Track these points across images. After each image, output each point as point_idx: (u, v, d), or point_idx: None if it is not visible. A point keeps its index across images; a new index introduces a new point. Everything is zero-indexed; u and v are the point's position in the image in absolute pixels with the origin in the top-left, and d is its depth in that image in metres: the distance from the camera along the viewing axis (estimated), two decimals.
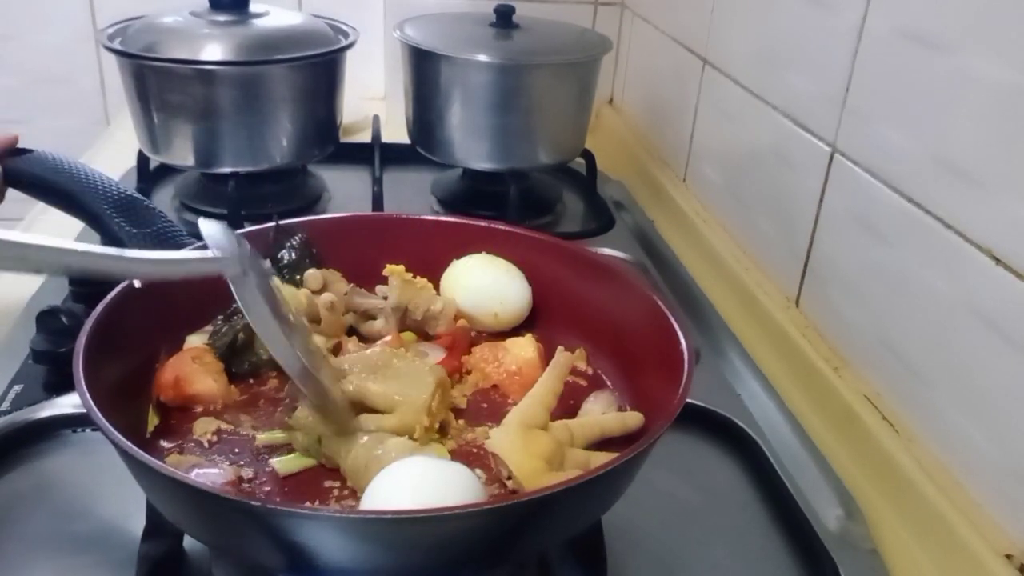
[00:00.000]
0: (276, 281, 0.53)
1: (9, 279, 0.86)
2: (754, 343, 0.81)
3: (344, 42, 0.98)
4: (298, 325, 0.51)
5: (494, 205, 0.99)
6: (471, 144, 0.99)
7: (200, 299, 0.60)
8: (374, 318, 0.62)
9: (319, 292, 0.61)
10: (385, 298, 0.62)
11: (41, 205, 0.90)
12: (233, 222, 0.90)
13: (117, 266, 0.46)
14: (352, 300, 0.61)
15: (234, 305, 0.60)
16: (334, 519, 0.41)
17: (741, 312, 0.85)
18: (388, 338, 0.60)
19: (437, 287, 0.66)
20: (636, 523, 0.57)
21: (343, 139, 1.06)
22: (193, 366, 0.56)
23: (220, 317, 0.59)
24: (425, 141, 1.04)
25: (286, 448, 0.52)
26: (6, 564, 0.53)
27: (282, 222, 0.65)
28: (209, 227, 0.50)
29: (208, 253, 0.48)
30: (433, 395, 0.52)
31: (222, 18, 0.95)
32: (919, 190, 0.63)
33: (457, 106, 0.98)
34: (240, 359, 0.59)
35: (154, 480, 0.44)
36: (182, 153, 0.95)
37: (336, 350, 0.59)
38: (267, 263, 0.53)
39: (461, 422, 0.56)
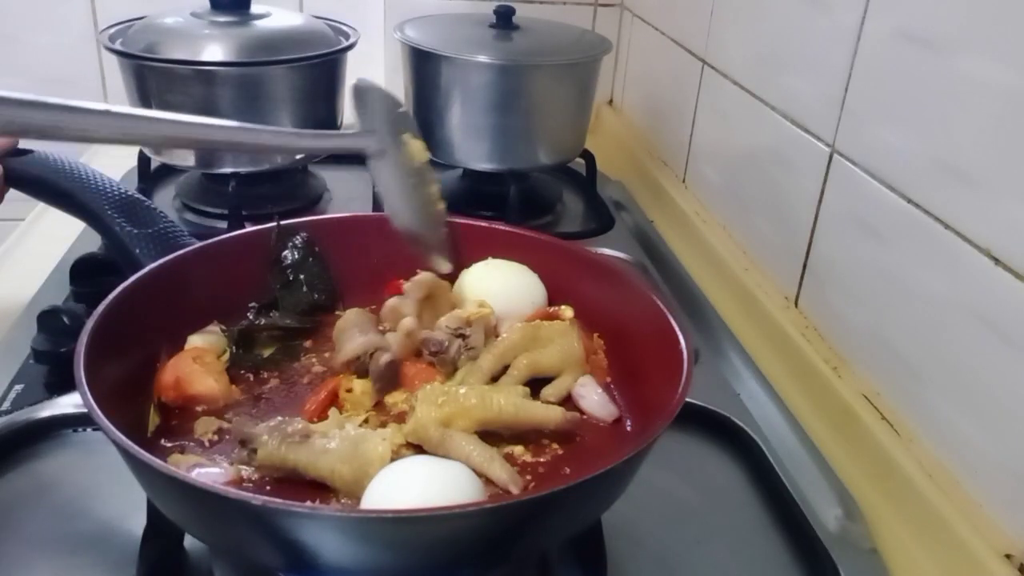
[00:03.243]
0: (407, 137, 0.56)
1: (10, 279, 0.86)
2: (753, 343, 0.81)
3: (345, 43, 0.98)
4: (422, 177, 0.56)
5: (494, 205, 0.99)
6: (471, 144, 1.00)
7: (201, 299, 0.60)
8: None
9: (421, 300, 0.61)
10: (463, 335, 0.60)
11: (42, 205, 0.91)
12: (234, 222, 0.90)
13: (258, 140, 0.52)
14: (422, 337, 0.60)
15: (251, 304, 0.61)
16: (334, 518, 0.41)
17: (740, 312, 0.85)
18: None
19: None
20: (636, 523, 0.58)
21: None
22: (194, 366, 0.56)
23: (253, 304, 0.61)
24: (426, 142, 1.03)
25: None
26: (6, 564, 0.53)
27: (284, 222, 0.65)
28: (361, 87, 0.54)
29: (352, 132, 0.54)
30: (582, 345, 0.59)
31: (223, 19, 0.95)
32: (918, 191, 0.63)
33: (457, 107, 0.98)
34: (250, 352, 0.59)
35: (155, 479, 0.44)
36: (182, 153, 0.95)
37: (398, 371, 0.58)
38: (402, 110, 0.56)
39: None
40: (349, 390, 0.56)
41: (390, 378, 0.57)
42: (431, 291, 0.62)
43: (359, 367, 0.57)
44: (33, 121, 0.45)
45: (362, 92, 0.54)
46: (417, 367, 0.58)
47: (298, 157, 0.60)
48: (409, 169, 0.55)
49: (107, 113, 0.45)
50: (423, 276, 0.62)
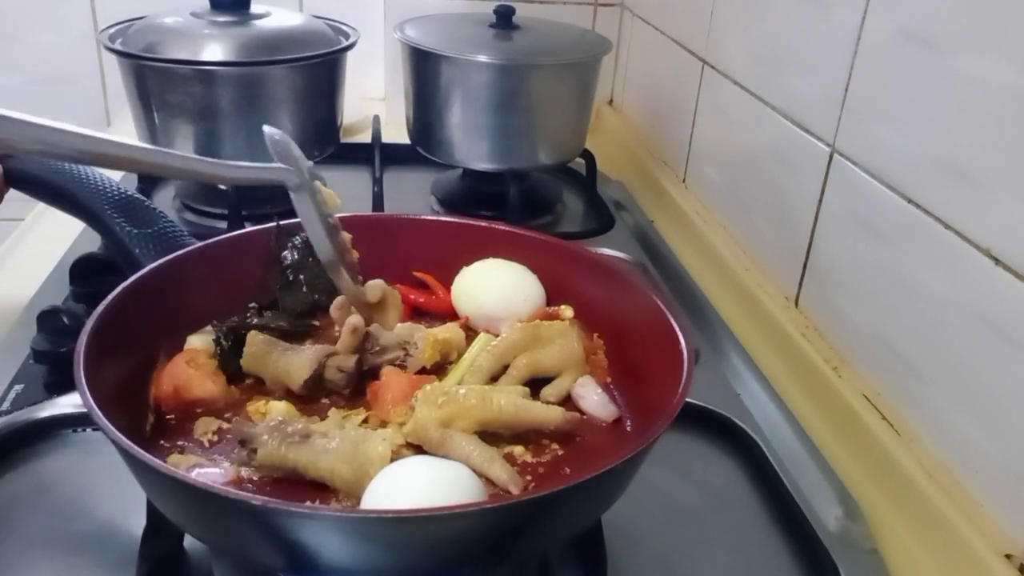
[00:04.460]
0: (319, 184, 0.58)
1: (10, 279, 0.86)
2: (754, 343, 0.81)
3: (345, 43, 0.98)
4: (335, 224, 0.58)
5: (494, 205, 0.99)
6: (471, 144, 1.00)
7: (201, 299, 0.60)
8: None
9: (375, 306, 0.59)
10: (406, 351, 0.60)
11: (42, 205, 0.91)
12: (234, 222, 0.90)
13: (188, 166, 0.53)
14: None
15: (251, 304, 0.61)
16: (334, 519, 0.41)
17: (741, 312, 0.85)
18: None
19: (441, 284, 0.66)
20: (636, 523, 0.57)
21: (343, 139, 1.06)
22: (189, 371, 0.56)
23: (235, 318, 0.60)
24: (425, 141, 1.04)
25: None
26: (6, 564, 0.53)
27: (283, 222, 0.65)
28: (273, 135, 0.56)
29: (277, 165, 0.55)
30: (582, 345, 0.60)
31: (223, 19, 0.95)
32: (918, 190, 0.63)
33: (457, 106, 0.98)
34: (238, 351, 0.59)
35: (155, 480, 0.44)
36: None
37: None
38: (311, 164, 0.58)
39: None
40: (264, 413, 0.54)
41: (357, 379, 0.57)
42: (384, 296, 0.60)
43: (315, 383, 0.57)
44: None
45: (274, 141, 0.56)
46: (406, 377, 0.58)
47: (221, 187, 0.60)
48: (325, 211, 0.57)
49: (29, 124, 0.45)
50: (377, 282, 0.60)
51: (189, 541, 0.54)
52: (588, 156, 1.10)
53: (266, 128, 0.57)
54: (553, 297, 0.65)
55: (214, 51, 0.91)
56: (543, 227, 1.00)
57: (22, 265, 0.89)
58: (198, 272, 0.60)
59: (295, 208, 0.55)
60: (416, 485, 0.46)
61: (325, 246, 0.56)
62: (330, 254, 0.56)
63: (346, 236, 0.59)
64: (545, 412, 0.54)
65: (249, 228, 0.66)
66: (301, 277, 0.64)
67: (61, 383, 0.66)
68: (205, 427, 0.54)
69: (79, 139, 0.47)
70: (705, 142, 1.03)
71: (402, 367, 0.58)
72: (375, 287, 0.58)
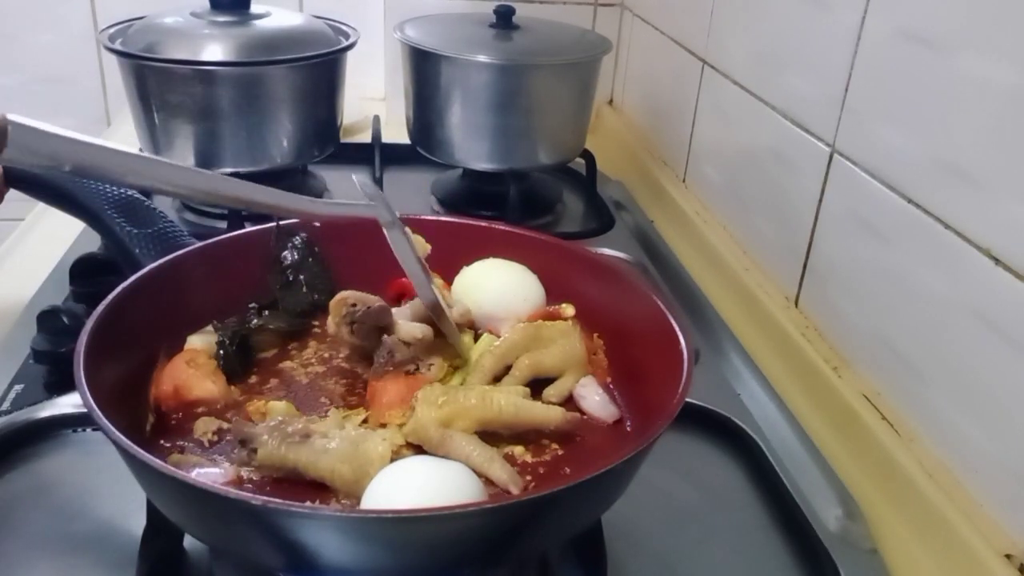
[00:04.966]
0: (408, 230, 0.58)
1: (10, 279, 0.86)
2: (754, 343, 0.81)
3: (345, 43, 0.98)
4: (426, 268, 0.59)
5: (494, 205, 0.99)
6: (471, 144, 1.00)
7: (201, 299, 0.60)
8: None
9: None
10: (416, 367, 0.59)
11: (42, 205, 0.91)
12: (234, 222, 0.90)
13: (285, 204, 0.53)
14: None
15: (251, 304, 0.61)
16: (334, 518, 0.41)
17: (741, 312, 0.85)
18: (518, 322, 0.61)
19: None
20: (636, 523, 0.58)
21: (343, 139, 1.06)
22: (189, 371, 0.55)
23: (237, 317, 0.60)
24: (425, 141, 1.04)
25: None
26: (6, 564, 0.53)
27: (283, 223, 0.65)
28: (363, 180, 0.57)
29: (367, 202, 0.56)
30: (584, 344, 0.60)
31: (223, 19, 0.95)
32: (918, 190, 0.63)
33: (457, 106, 0.98)
34: (243, 352, 0.59)
35: (155, 480, 0.44)
36: (182, 153, 0.95)
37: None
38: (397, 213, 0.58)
39: None
40: (264, 413, 0.54)
41: (363, 329, 0.56)
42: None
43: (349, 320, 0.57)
44: (74, 158, 0.46)
45: (365, 184, 0.57)
46: (405, 378, 0.57)
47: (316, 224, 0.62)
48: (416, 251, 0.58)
49: (126, 155, 0.47)
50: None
51: (189, 541, 0.54)
52: (588, 156, 1.10)
53: (355, 177, 0.58)
54: (553, 297, 0.65)
55: (214, 51, 0.91)
56: (543, 227, 1.00)
57: (22, 265, 0.89)
58: (198, 272, 0.60)
59: (391, 246, 0.56)
60: (416, 485, 0.46)
61: (425, 287, 0.56)
62: (431, 296, 0.56)
63: (439, 281, 0.59)
64: (545, 412, 0.54)
65: (249, 228, 0.66)
66: (301, 277, 0.64)
67: (61, 383, 0.66)
68: (205, 427, 0.54)
69: (178, 173, 0.48)
70: (705, 142, 1.03)
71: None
72: (464, 310, 0.60)
